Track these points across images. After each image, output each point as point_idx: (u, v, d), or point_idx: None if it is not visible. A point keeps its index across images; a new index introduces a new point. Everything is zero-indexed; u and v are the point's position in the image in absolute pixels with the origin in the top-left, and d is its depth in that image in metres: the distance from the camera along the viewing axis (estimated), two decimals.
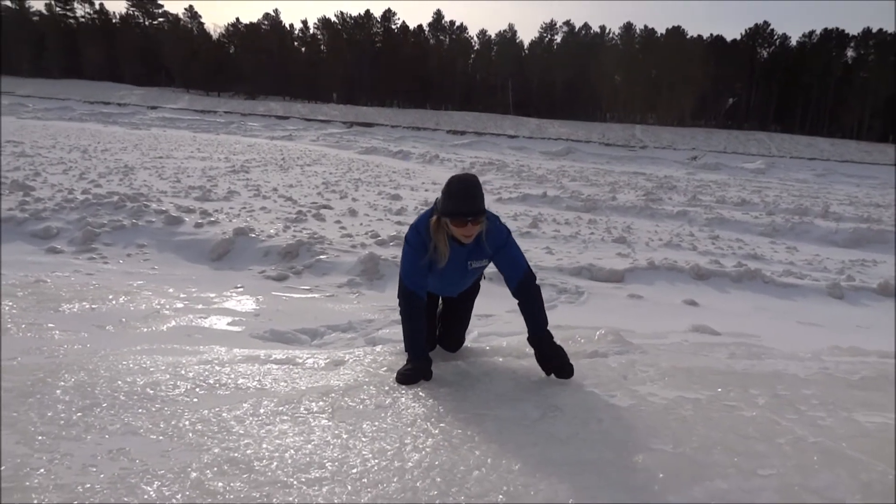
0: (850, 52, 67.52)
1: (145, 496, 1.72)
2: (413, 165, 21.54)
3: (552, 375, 2.83)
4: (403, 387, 2.66)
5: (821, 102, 64.63)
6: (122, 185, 10.47)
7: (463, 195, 2.68)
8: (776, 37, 70.12)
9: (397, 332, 4.13)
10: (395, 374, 2.78)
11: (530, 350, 3.30)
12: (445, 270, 2.89)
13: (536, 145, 31.41)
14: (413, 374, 2.74)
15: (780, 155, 34.49)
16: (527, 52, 77.24)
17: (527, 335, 2.96)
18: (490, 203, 12.47)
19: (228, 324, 4.32)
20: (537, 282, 2.98)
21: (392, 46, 73.66)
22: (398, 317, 4.72)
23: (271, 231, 7.67)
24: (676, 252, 9.02)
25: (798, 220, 13.03)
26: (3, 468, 1.83)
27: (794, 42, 69.23)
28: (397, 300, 2.93)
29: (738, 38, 69.83)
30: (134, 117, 38.08)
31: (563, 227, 10.63)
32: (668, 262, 7.71)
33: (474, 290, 3.30)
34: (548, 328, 2.94)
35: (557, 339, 3.75)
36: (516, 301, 2.95)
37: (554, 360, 2.85)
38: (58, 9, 73.21)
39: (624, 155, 31.46)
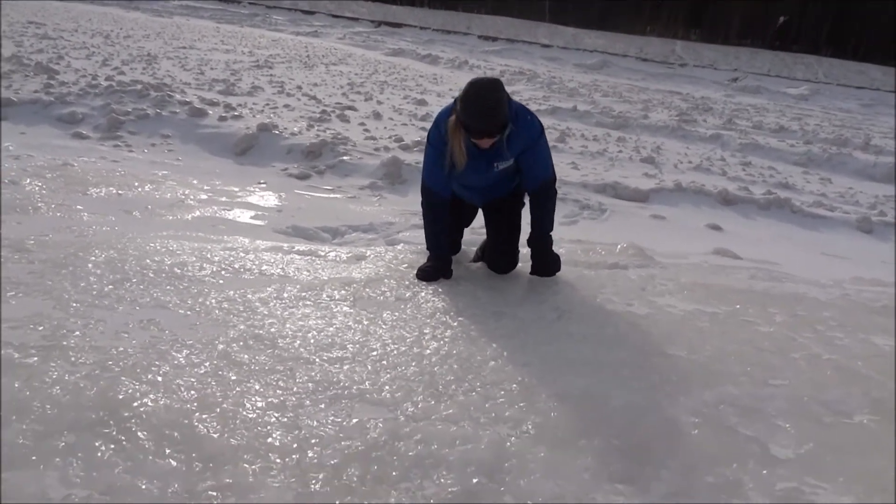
0: None
1: (175, 362, 1.80)
2: (441, 70, 20.81)
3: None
4: (423, 283, 2.70)
5: (881, 26, 60.15)
6: (146, 74, 10.30)
7: (478, 112, 2.48)
8: None
9: (417, 235, 4.14)
10: (415, 271, 2.82)
11: None
12: (468, 171, 2.78)
13: (570, 56, 29.95)
14: (433, 270, 2.77)
15: (827, 81, 32.62)
16: None
17: (528, 236, 2.89)
18: None
19: (251, 217, 4.37)
20: (557, 187, 2.90)
21: None
22: (419, 221, 4.71)
23: (295, 129, 7.57)
24: (705, 176, 8.78)
25: (836, 150, 12.50)
26: (41, 329, 1.92)
27: None
28: (420, 201, 2.90)
29: None
30: (156, 3, 36.78)
31: (591, 143, 10.35)
32: (695, 185, 7.52)
33: (517, 201, 3.03)
34: (550, 234, 2.88)
35: (577, 251, 3.76)
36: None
37: (542, 262, 2.83)
38: None
39: (661, 72, 29.97)
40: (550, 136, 10.17)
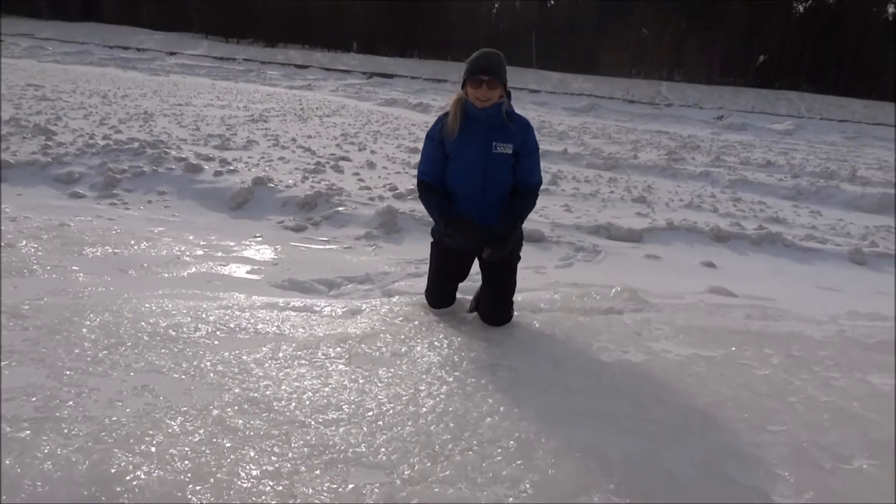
0: (891, 9, 64.29)
1: (169, 430, 1.79)
2: (433, 118, 21.22)
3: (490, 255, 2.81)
4: (418, 336, 2.69)
5: (857, 61, 62.02)
6: (142, 132, 10.49)
7: (480, 55, 2.79)
8: None
9: (413, 283, 4.16)
10: (410, 324, 2.80)
11: (545, 305, 3.33)
12: (466, 151, 2.77)
13: (559, 101, 30.69)
14: (457, 236, 2.74)
15: (810, 116, 33.40)
16: (553, 1, 74.76)
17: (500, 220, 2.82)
18: None
19: (247, 272, 4.38)
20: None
21: None
22: (415, 269, 4.74)
23: (290, 182, 7.68)
24: (697, 213, 8.89)
25: (824, 183, 12.71)
26: (33, 400, 1.91)
27: None
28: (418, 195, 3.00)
29: None
30: (153, 63, 37.80)
31: (583, 184, 10.50)
32: (687, 223, 7.61)
33: (514, 256, 3.00)
34: (519, 226, 2.89)
35: (573, 297, 3.77)
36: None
37: (499, 238, 2.75)
38: None
39: (648, 113, 30.70)
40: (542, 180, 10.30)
